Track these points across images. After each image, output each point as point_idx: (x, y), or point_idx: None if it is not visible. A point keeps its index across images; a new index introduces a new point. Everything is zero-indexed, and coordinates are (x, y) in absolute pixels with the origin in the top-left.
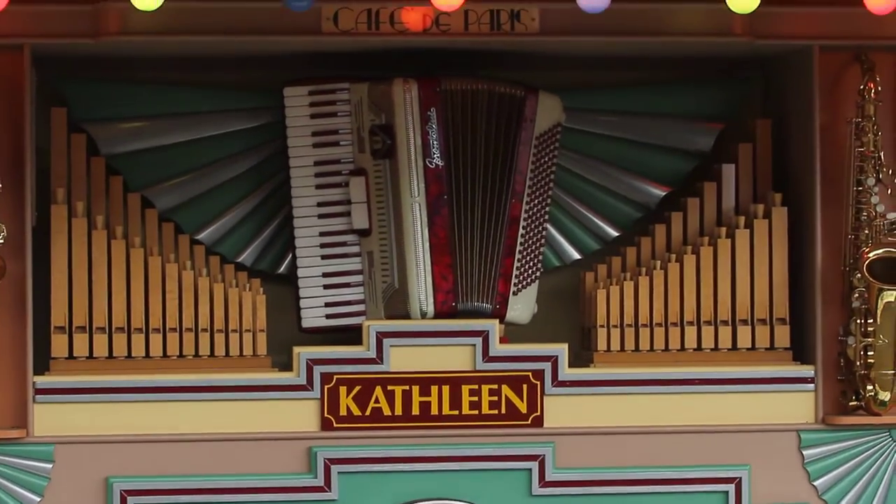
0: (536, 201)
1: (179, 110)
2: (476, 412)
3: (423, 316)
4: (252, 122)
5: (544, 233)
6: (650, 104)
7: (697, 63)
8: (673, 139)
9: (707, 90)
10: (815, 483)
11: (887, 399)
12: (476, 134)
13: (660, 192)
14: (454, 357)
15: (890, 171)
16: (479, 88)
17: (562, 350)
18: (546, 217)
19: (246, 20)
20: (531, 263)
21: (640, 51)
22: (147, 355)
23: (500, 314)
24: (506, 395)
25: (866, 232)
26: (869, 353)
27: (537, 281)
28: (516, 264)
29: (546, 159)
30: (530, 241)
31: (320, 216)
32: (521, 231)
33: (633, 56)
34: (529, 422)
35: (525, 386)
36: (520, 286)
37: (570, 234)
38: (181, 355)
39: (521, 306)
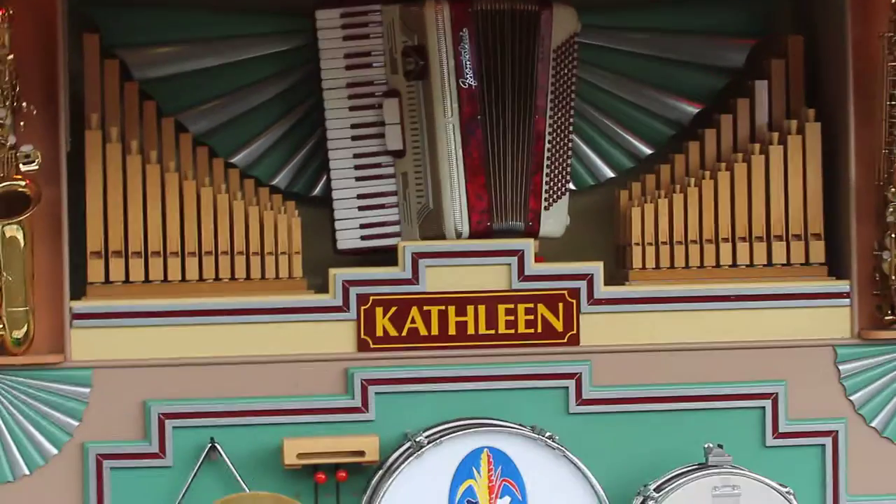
0: (559, 114)
1: (212, 34)
2: (512, 331)
3: (459, 236)
4: (284, 45)
5: (570, 145)
6: (681, 21)
7: None
8: (705, 56)
9: (738, 6)
10: (852, 398)
11: None
12: (504, 52)
13: (693, 109)
14: (490, 276)
15: None
16: (503, 8)
17: (597, 268)
18: (570, 130)
19: None
20: (559, 177)
21: None
22: (183, 279)
23: (533, 230)
24: (542, 314)
25: None
26: None
27: (567, 194)
28: (545, 179)
29: (566, 71)
30: (557, 156)
31: (354, 138)
32: (546, 146)
33: None
34: (566, 340)
35: (561, 304)
36: (550, 201)
37: (603, 152)
38: (217, 278)
39: (554, 220)
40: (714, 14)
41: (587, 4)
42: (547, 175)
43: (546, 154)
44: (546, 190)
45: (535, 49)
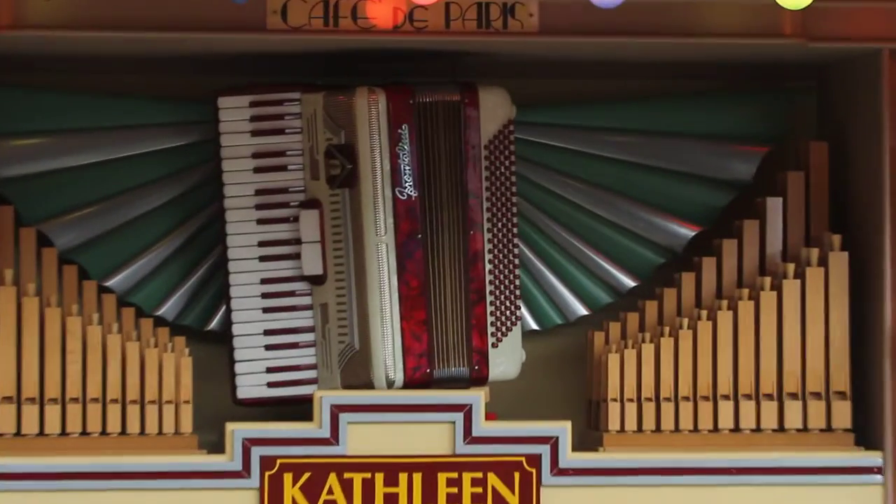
0: (500, 225)
1: (86, 124)
2: None
3: (391, 385)
4: (177, 140)
5: (517, 262)
6: (676, 122)
7: (736, 71)
8: (705, 166)
9: (748, 105)
10: None
11: None
12: (439, 153)
13: (688, 233)
14: (429, 438)
15: None
16: (436, 99)
17: (563, 429)
18: (515, 244)
19: (171, 13)
20: (507, 304)
21: (665, 55)
22: (41, 433)
23: (481, 376)
24: (493, 486)
25: None
26: None
27: (519, 323)
28: (489, 309)
29: (501, 170)
30: (502, 278)
31: (262, 259)
32: (487, 268)
33: (655, 62)
34: None
35: (517, 474)
36: (499, 335)
37: (575, 284)
38: (84, 432)
39: (505, 359)
40: (717, 114)
41: (556, 98)
42: (492, 304)
43: (488, 277)
44: (492, 322)
45: (462, 148)
